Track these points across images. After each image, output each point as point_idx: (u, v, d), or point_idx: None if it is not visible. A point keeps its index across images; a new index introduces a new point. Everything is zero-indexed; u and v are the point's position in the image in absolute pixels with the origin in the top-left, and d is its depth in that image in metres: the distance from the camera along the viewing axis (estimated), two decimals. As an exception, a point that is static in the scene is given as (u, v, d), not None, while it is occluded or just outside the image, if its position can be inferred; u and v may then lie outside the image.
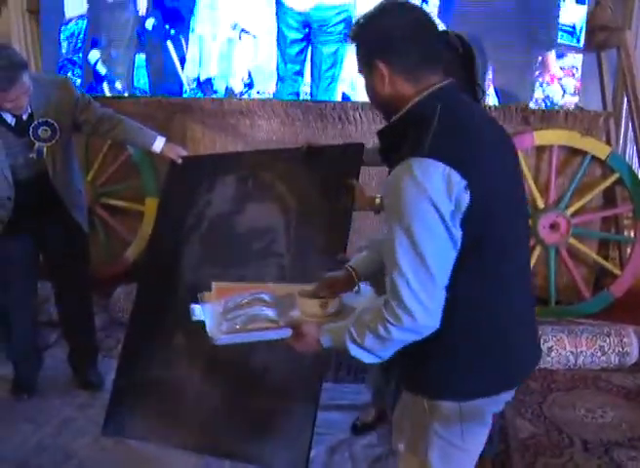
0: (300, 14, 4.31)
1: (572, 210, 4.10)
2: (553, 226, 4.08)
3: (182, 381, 2.78)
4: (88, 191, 4.45)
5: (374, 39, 1.54)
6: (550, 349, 3.46)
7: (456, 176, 1.39)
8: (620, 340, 3.48)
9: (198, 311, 1.87)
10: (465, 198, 1.41)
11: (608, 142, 4.19)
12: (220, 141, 4.35)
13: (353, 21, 1.60)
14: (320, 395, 2.58)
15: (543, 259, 4.17)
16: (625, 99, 4.24)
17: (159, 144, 2.99)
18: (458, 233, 1.43)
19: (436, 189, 1.39)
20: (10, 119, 2.81)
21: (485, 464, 2.65)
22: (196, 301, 1.95)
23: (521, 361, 1.67)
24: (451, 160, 1.40)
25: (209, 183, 2.98)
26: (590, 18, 4.12)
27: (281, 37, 4.38)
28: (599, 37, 4.21)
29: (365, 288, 1.97)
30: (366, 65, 1.57)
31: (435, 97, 1.51)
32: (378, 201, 2.58)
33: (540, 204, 4.11)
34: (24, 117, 2.82)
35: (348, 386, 3.24)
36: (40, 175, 2.90)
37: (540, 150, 4.18)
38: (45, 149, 2.85)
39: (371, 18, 1.56)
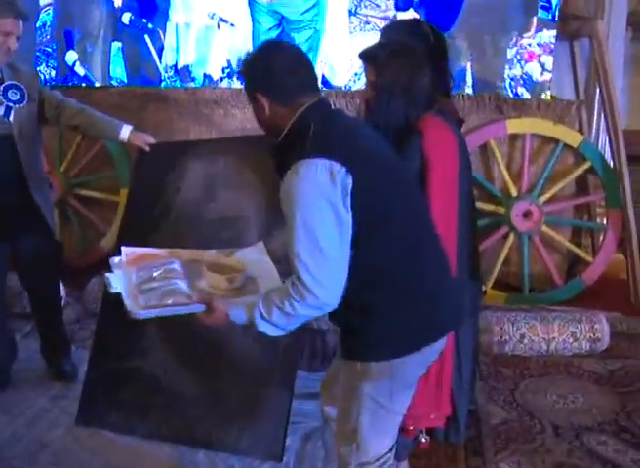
0: (268, 4, 4.32)
1: (544, 198, 4.14)
2: (526, 214, 4.11)
3: (156, 371, 2.78)
4: (61, 182, 4.46)
5: (254, 77, 1.81)
6: (523, 336, 3.49)
7: (336, 165, 1.63)
8: (592, 327, 3.53)
9: (114, 281, 1.93)
10: (349, 181, 1.64)
11: (580, 131, 4.23)
12: (194, 131, 4.33)
13: (239, 61, 1.84)
14: (294, 383, 2.61)
15: (516, 247, 4.21)
16: (597, 89, 4.29)
17: (125, 132, 2.95)
18: (347, 216, 1.65)
19: (320, 180, 1.63)
20: None
21: (457, 450, 2.69)
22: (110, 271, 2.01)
23: (443, 314, 1.87)
24: (329, 154, 1.64)
25: (178, 171, 2.95)
26: (563, 6, 4.15)
27: (255, 26, 4.37)
28: (572, 26, 4.25)
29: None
30: (250, 97, 1.83)
31: (310, 112, 1.76)
32: None
33: (514, 192, 4.15)
34: None
35: (322, 375, 3.24)
36: (6, 139, 2.85)
37: (513, 138, 4.21)
38: (12, 112, 2.84)
39: (252, 58, 1.82)
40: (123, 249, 2.09)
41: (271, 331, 1.76)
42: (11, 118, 2.85)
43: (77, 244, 4.58)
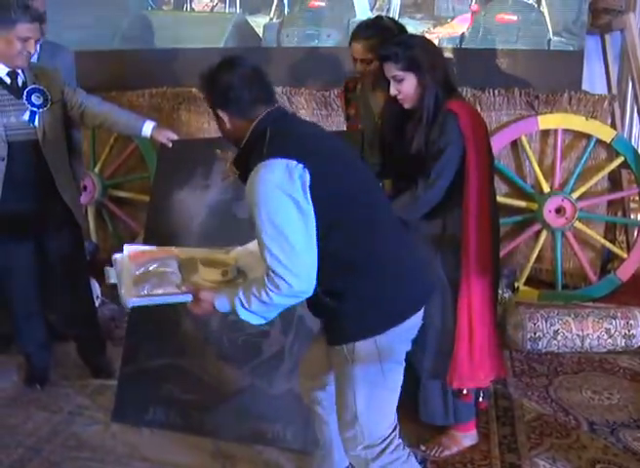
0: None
1: (577, 193, 4.10)
2: (559, 210, 4.07)
3: (194, 368, 2.82)
4: (96, 183, 4.53)
5: (212, 94, 1.95)
6: (557, 332, 3.47)
7: (292, 163, 1.78)
8: (627, 323, 3.49)
9: (112, 274, 2.12)
10: (306, 176, 1.78)
11: (613, 125, 4.18)
12: (226, 131, 4.35)
13: (200, 77, 1.97)
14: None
15: (550, 244, 4.18)
16: (630, 82, 4.24)
17: (148, 128, 2.99)
18: (308, 207, 1.79)
19: (280, 178, 1.77)
20: (6, 79, 2.85)
21: (492, 447, 2.68)
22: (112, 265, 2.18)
23: (413, 291, 1.99)
24: (286, 153, 1.79)
25: (205, 168, 2.96)
26: (594, 0, 4.11)
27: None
28: (603, 19, 4.21)
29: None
30: (212, 111, 1.99)
31: (265, 119, 1.91)
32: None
33: (546, 188, 4.11)
34: (19, 83, 2.88)
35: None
36: (32, 143, 2.90)
37: (545, 134, 4.17)
38: (37, 117, 2.88)
39: (209, 76, 1.95)
40: (125, 246, 2.24)
41: (252, 319, 1.90)
42: (36, 123, 2.89)
43: (112, 244, 4.65)
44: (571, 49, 4.13)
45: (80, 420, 2.94)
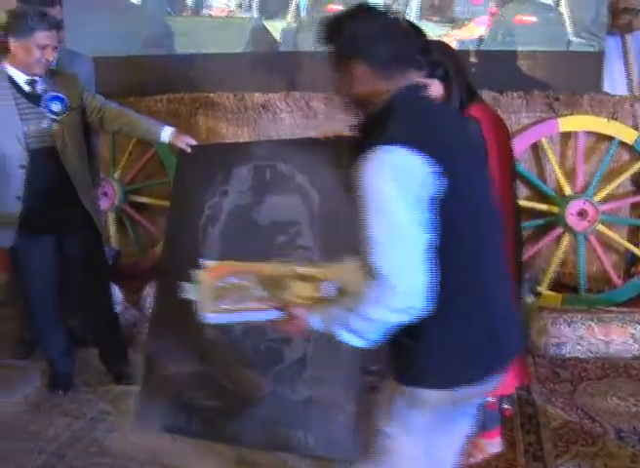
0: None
1: (600, 196, 4.04)
2: (581, 213, 4.02)
3: (217, 375, 2.82)
4: (116, 189, 4.54)
5: (349, 40, 1.61)
6: (580, 338, 3.43)
7: (420, 161, 1.45)
8: (652, 327, 3.44)
9: (189, 289, 1.89)
10: (431, 181, 1.46)
11: (635, 127, 4.12)
12: (243, 136, 4.35)
13: (324, 23, 1.65)
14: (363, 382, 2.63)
15: (572, 247, 4.13)
16: (652, 83, 4.18)
17: (166, 134, 3.00)
18: (427, 216, 1.47)
19: (403, 173, 1.44)
20: (25, 87, 2.88)
21: (517, 455, 2.65)
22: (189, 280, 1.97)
23: (504, 347, 1.69)
24: (415, 145, 1.45)
25: (224, 173, 2.95)
26: (614, 0, 4.07)
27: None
28: (623, 19, 4.15)
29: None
30: (341, 65, 1.64)
31: (408, 92, 1.60)
32: None
33: (568, 191, 4.06)
34: (38, 90, 2.90)
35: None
36: (52, 150, 2.92)
37: (566, 137, 4.12)
38: (55, 124, 2.90)
39: (343, 20, 1.62)
40: (203, 261, 2.05)
41: (352, 340, 1.57)
42: (54, 129, 2.91)
43: (132, 250, 4.65)
44: (591, 50, 4.09)
45: (102, 426, 2.96)
